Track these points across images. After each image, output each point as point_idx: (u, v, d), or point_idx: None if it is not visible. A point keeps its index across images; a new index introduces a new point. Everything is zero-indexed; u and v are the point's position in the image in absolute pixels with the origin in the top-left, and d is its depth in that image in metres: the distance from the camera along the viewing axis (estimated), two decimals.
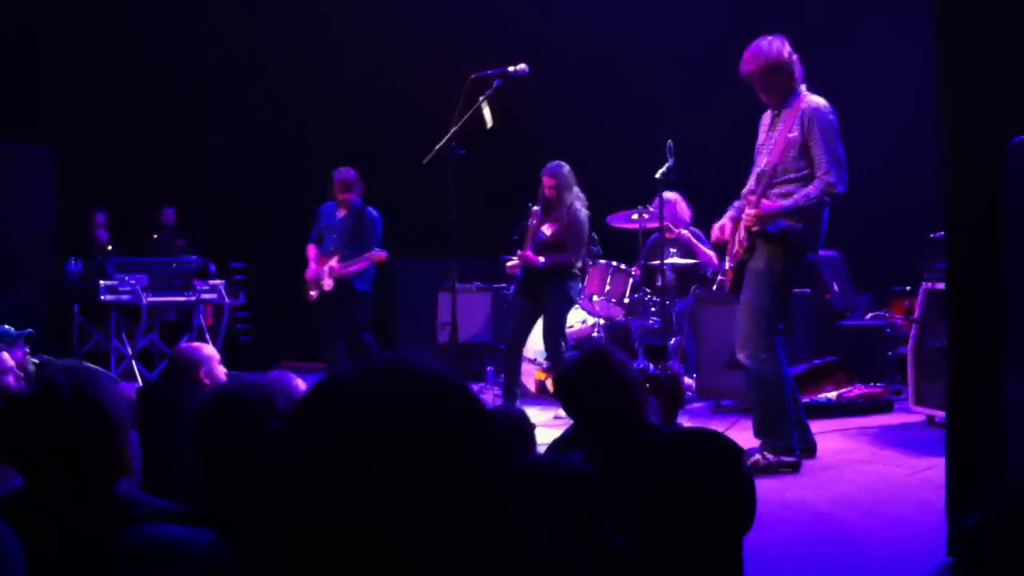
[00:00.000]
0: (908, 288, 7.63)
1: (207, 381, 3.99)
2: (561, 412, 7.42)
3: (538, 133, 10.10)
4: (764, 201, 5.41)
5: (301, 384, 3.05)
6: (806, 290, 8.09)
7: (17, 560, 1.68)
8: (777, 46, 5.49)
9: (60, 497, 1.94)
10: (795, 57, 5.52)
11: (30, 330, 5.23)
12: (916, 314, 6.70)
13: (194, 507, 2.12)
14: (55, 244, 9.60)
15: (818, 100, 5.44)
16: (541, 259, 7.40)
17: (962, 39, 3.40)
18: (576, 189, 7.57)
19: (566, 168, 7.54)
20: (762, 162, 5.58)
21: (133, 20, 11.12)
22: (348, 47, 11.24)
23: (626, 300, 8.27)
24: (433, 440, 1.00)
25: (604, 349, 3.06)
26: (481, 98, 6.09)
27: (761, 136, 5.70)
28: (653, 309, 8.38)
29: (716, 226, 5.83)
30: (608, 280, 8.27)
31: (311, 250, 8.42)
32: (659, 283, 7.96)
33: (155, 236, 11.48)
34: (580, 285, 7.75)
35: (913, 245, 7.21)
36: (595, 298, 8.32)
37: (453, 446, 1.01)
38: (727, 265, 5.86)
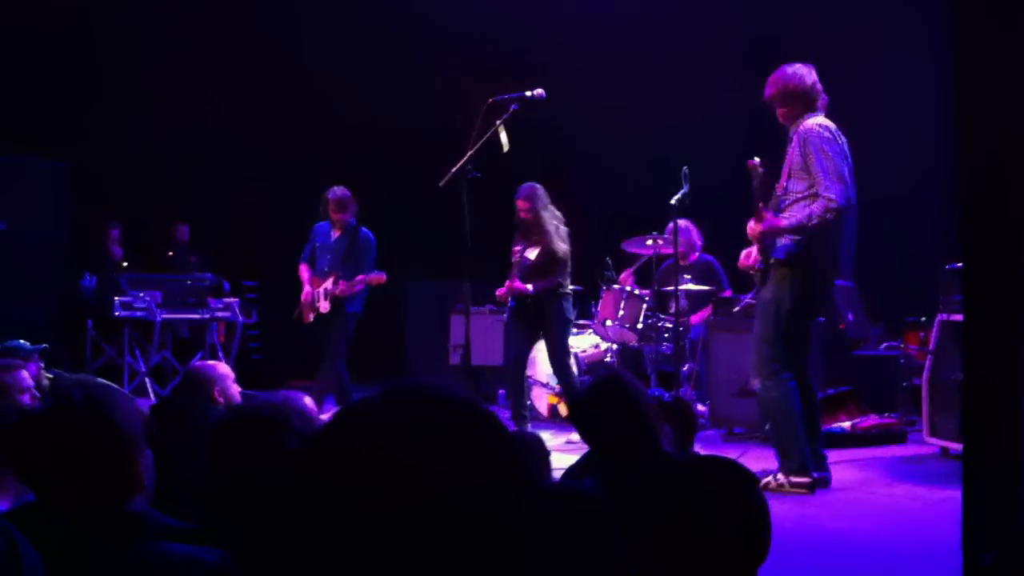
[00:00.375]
0: (923, 319, 7.60)
1: (221, 399, 3.99)
2: (574, 437, 7.45)
3: (554, 157, 10.12)
4: (769, 214, 5.48)
5: (311, 403, 3.04)
6: (820, 319, 8.06)
7: None
8: (800, 73, 5.57)
9: (72, 513, 1.93)
10: (819, 87, 5.58)
11: (45, 345, 5.24)
12: (931, 345, 6.67)
13: (206, 525, 2.11)
14: (70, 258, 9.64)
15: (815, 121, 5.48)
16: (529, 287, 7.41)
17: (984, 74, 3.40)
18: (552, 208, 7.56)
19: (539, 189, 7.52)
20: (777, 187, 5.64)
21: (151, 36, 11.18)
22: (367, 68, 11.28)
23: (639, 325, 8.25)
24: (460, 464, 1.00)
25: (619, 375, 3.05)
26: (498, 122, 6.11)
27: None
28: (666, 335, 8.36)
29: (744, 253, 5.87)
30: (622, 305, 8.26)
31: (304, 271, 8.30)
32: (672, 309, 7.96)
33: (170, 253, 11.52)
34: (572, 302, 7.69)
35: (927, 276, 7.19)
36: (608, 323, 8.31)
37: (480, 470, 1.01)
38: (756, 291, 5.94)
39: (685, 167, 7.07)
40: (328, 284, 8.07)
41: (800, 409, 5.58)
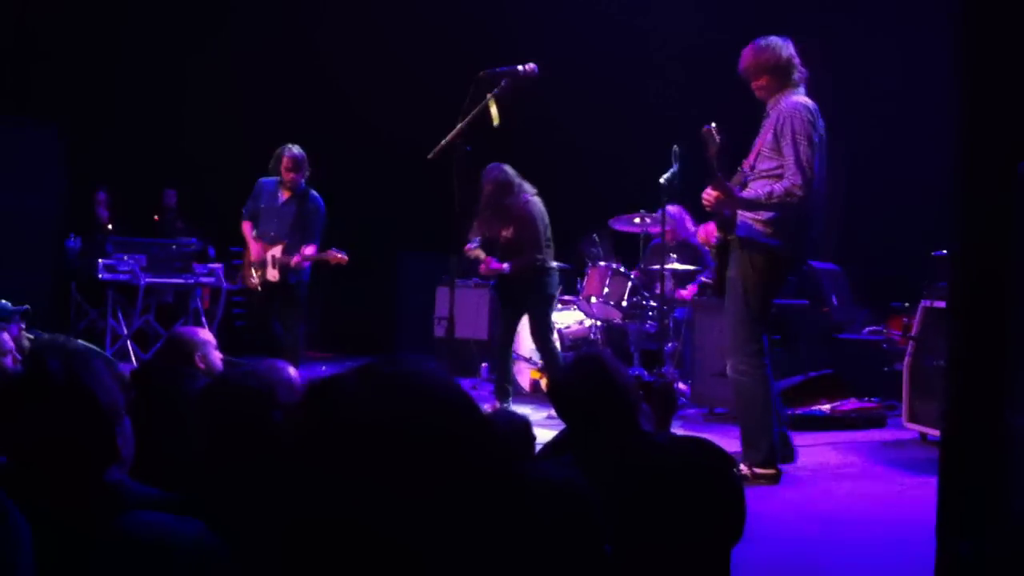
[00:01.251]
0: (907, 305, 7.63)
1: (202, 365, 3.98)
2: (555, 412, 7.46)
3: (544, 133, 10.10)
4: (727, 183, 5.29)
5: (294, 373, 3.03)
6: (805, 302, 8.08)
7: (26, 548, 1.67)
8: (774, 45, 5.39)
9: (48, 483, 1.93)
10: (796, 60, 5.41)
11: (27, 306, 5.20)
12: (914, 331, 6.70)
13: (187, 494, 2.10)
14: (59, 220, 9.60)
15: (798, 100, 5.30)
16: (505, 265, 7.42)
17: (980, 60, 3.39)
18: (520, 183, 7.50)
19: (502, 169, 7.47)
20: (746, 163, 5.50)
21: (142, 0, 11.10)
22: (358, 37, 11.21)
23: (624, 303, 8.26)
24: (431, 443, 1.00)
25: (599, 354, 3.05)
26: (488, 96, 6.07)
27: None
28: (651, 314, 8.38)
29: (701, 228, 5.77)
30: (607, 282, 8.27)
31: (247, 228, 7.79)
32: (657, 289, 7.96)
33: (156, 217, 11.46)
34: (555, 277, 7.67)
35: (914, 261, 7.21)
36: (593, 299, 8.32)
37: (450, 450, 1.01)
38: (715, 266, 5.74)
39: (676, 145, 7.03)
40: (276, 251, 7.63)
41: (772, 389, 5.47)
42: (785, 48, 5.41)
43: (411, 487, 0.98)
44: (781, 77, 5.39)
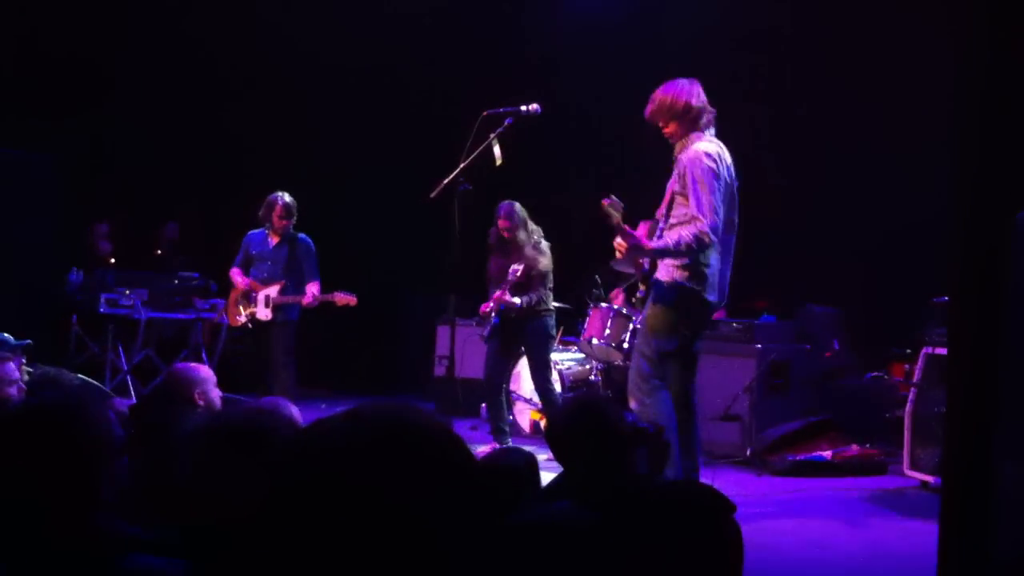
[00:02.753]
0: (908, 351, 7.61)
1: (201, 402, 3.98)
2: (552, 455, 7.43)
3: (544, 172, 10.14)
4: (635, 232, 5.27)
5: (296, 412, 3.03)
6: (806, 346, 8.08)
7: None
8: (681, 90, 5.35)
9: (39, 521, 1.91)
10: (703, 101, 5.35)
11: (29, 341, 5.22)
12: (915, 378, 6.68)
13: (183, 533, 2.09)
14: (56, 253, 9.60)
15: (699, 147, 5.24)
16: (516, 300, 7.45)
17: (980, 109, 3.42)
18: (532, 225, 7.62)
19: (518, 207, 7.59)
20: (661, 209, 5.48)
21: (141, 31, 11.15)
22: (359, 76, 11.28)
23: (625, 345, 8.25)
24: (421, 492, 1.00)
25: (595, 397, 3.05)
26: (492, 135, 6.11)
27: None
28: None
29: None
30: (608, 324, 8.25)
31: (236, 274, 8.06)
32: None
33: (158, 251, 11.48)
34: (555, 319, 7.75)
35: (915, 307, 7.21)
36: (594, 341, 8.31)
37: (439, 499, 1.01)
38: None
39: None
40: (271, 291, 7.85)
41: (675, 425, 5.37)
42: (691, 90, 5.37)
43: (394, 544, 0.98)
44: (688, 122, 5.34)
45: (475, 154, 6.06)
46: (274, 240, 8.00)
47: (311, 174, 10.57)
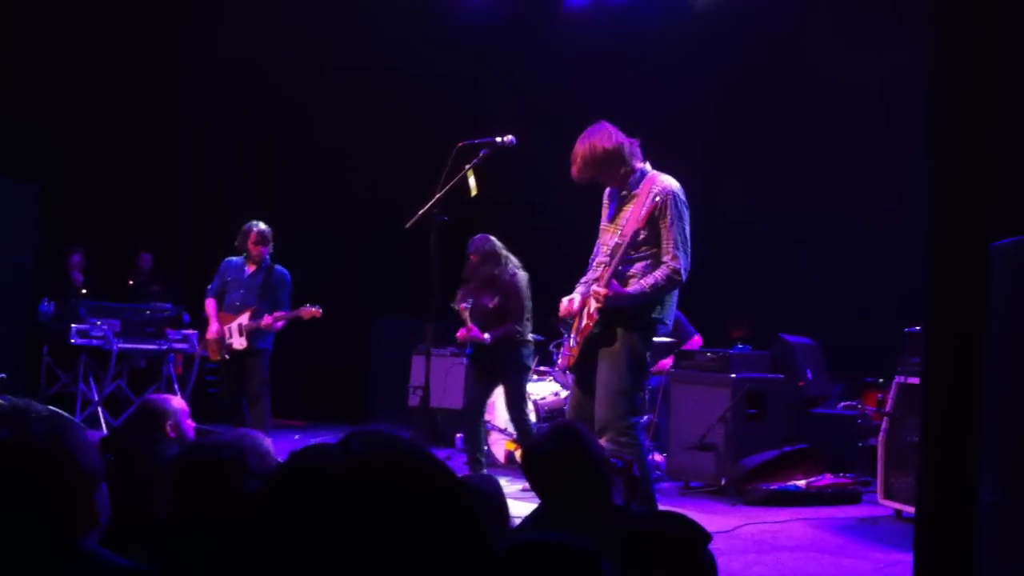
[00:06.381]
0: (881, 380, 7.65)
1: (173, 434, 3.94)
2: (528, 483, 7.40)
3: (519, 202, 10.18)
4: (614, 282, 5.25)
5: (269, 443, 3.01)
6: (780, 376, 8.10)
7: None
8: (594, 140, 5.36)
9: (25, 550, 1.88)
10: (623, 139, 5.37)
11: (3, 375, 5.15)
12: (888, 407, 6.71)
13: (157, 565, 2.07)
14: (35, 283, 9.53)
15: (670, 181, 5.28)
16: (486, 336, 7.44)
17: (953, 139, 3.46)
18: (507, 256, 7.62)
19: (491, 241, 7.61)
20: (610, 240, 5.42)
21: (120, 61, 11.14)
22: (338, 106, 11.30)
23: None
24: (415, 526, 0.99)
25: (574, 426, 3.04)
26: (467, 166, 6.12)
27: (606, 212, 5.58)
28: None
29: (565, 300, 5.63)
30: None
31: (211, 305, 8.08)
32: None
33: (131, 281, 11.41)
34: (531, 349, 7.73)
35: (889, 336, 7.25)
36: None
37: (433, 533, 1.00)
38: (572, 341, 5.65)
39: None
40: (243, 319, 7.87)
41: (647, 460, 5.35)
42: (604, 133, 5.38)
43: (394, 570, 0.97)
44: (624, 162, 5.36)
45: (450, 185, 6.06)
46: (250, 268, 8.03)
47: (285, 204, 10.55)
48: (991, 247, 3.14)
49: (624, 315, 5.28)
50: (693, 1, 10.38)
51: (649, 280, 5.19)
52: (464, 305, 7.61)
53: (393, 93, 11.24)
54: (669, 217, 5.19)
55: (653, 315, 5.30)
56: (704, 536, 2.77)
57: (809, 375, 8.58)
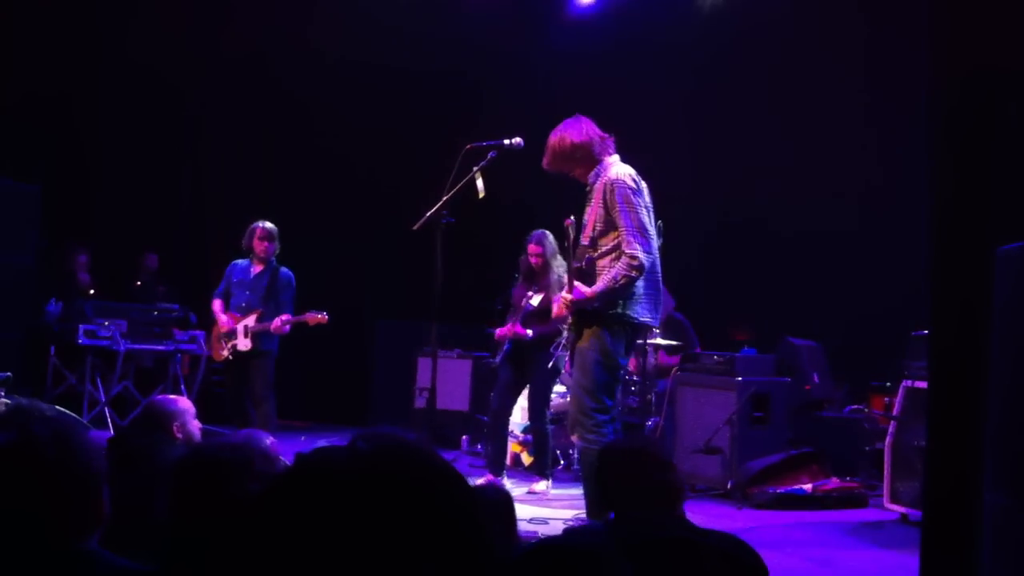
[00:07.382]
0: (888, 384, 7.64)
1: (180, 435, 3.95)
2: (537, 487, 7.41)
3: (529, 207, 10.16)
4: (576, 284, 5.31)
5: (272, 444, 3.01)
6: (786, 379, 8.09)
7: None
8: (566, 133, 5.45)
9: (27, 550, 1.89)
10: (595, 134, 5.45)
11: (8, 374, 5.16)
12: (895, 411, 6.70)
13: (161, 565, 2.07)
14: (37, 283, 9.54)
15: (620, 170, 5.35)
16: (529, 332, 7.44)
17: (959, 145, 3.45)
18: (559, 256, 7.61)
19: (551, 237, 7.62)
20: (583, 240, 5.49)
21: (124, 61, 11.15)
22: (344, 106, 11.31)
23: None
24: (419, 524, 0.99)
25: (651, 443, 3.10)
26: (475, 168, 6.11)
27: None
28: (633, 388, 8.37)
29: (556, 302, 5.71)
30: None
31: (218, 305, 8.04)
32: (641, 363, 7.98)
33: (138, 282, 11.43)
34: (568, 353, 7.73)
35: (895, 340, 7.24)
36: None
37: (441, 536, 1.00)
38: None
39: (660, 221, 7.06)
40: (249, 321, 7.82)
41: None
42: (577, 128, 5.46)
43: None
44: (589, 156, 5.44)
45: (458, 187, 6.06)
46: (256, 269, 7.98)
47: (289, 206, 10.56)
48: (996, 251, 3.13)
49: (588, 315, 5.33)
50: (701, 2, 10.37)
51: (608, 276, 5.24)
52: (526, 303, 7.58)
53: (397, 94, 11.24)
54: (619, 205, 5.25)
55: (616, 311, 5.30)
56: (764, 566, 2.76)
57: (815, 378, 8.57)
